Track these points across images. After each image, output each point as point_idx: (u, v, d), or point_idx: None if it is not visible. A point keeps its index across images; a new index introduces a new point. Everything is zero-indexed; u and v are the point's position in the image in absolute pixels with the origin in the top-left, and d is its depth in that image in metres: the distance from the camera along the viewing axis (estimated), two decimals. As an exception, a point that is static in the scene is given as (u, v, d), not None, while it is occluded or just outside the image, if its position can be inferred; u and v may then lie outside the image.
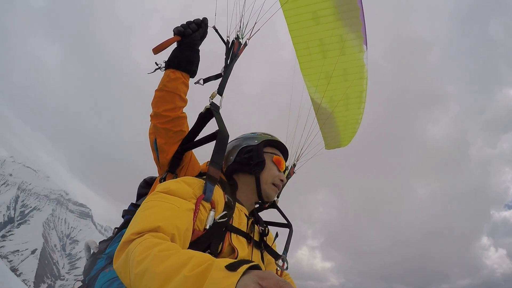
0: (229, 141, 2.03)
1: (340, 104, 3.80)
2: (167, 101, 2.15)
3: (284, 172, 2.31)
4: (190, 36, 2.20)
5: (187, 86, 2.24)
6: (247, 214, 2.09)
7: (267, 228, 2.30)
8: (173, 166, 2.20)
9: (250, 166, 2.16)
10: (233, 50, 2.44)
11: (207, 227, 1.69)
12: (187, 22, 2.22)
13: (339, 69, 3.60)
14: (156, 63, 2.20)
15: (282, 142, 2.39)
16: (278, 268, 2.16)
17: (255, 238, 2.08)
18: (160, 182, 2.14)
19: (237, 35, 2.49)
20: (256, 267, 1.03)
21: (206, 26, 2.30)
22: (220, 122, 2.06)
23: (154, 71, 2.22)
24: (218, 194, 1.85)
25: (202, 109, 2.17)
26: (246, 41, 2.52)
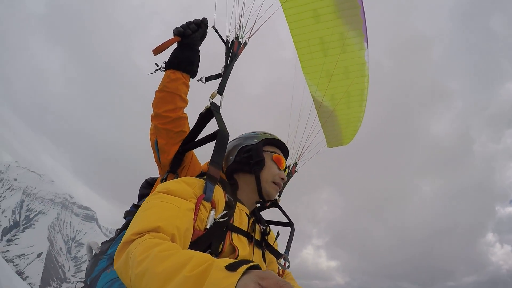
0: (229, 141, 2.03)
1: (341, 102, 3.78)
2: (167, 101, 2.15)
3: (285, 170, 2.30)
4: (190, 36, 2.20)
5: (187, 86, 2.24)
6: (248, 214, 2.09)
7: (268, 227, 2.30)
8: (174, 166, 2.20)
9: (250, 165, 2.16)
10: (233, 49, 2.43)
11: (208, 226, 1.69)
12: (186, 23, 2.22)
13: (340, 67, 3.59)
14: (156, 64, 2.20)
15: (282, 140, 2.39)
16: (280, 267, 2.15)
17: (256, 237, 2.08)
18: (161, 182, 2.13)
19: (237, 34, 2.48)
20: (256, 267, 1.03)
21: (206, 26, 2.30)
22: (220, 122, 2.05)
23: (154, 72, 2.22)
24: (219, 194, 1.85)
25: (202, 109, 2.17)
26: (246, 41, 2.51)
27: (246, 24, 2.52)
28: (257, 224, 2.15)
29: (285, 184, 2.65)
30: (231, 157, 2.24)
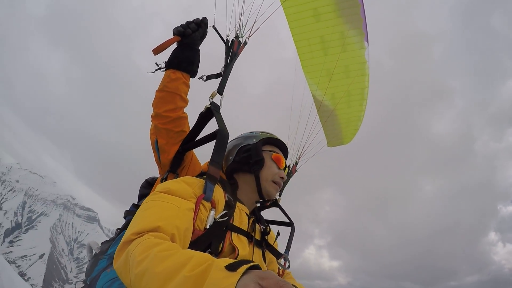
0: (229, 140, 2.02)
1: (342, 101, 3.77)
2: (168, 101, 2.14)
3: (285, 170, 2.30)
4: (190, 36, 2.19)
5: (187, 86, 2.24)
6: (248, 213, 2.08)
7: (268, 227, 2.29)
8: (174, 166, 2.19)
9: (249, 164, 2.16)
10: (233, 49, 2.43)
11: (208, 226, 1.69)
12: (186, 22, 2.21)
13: (341, 66, 3.58)
14: (156, 63, 2.20)
15: (282, 140, 2.38)
16: (280, 267, 2.15)
17: (256, 237, 2.07)
18: (162, 182, 2.13)
19: (237, 34, 2.47)
20: (256, 267, 1.03)
21: (206, 25, 2.30)
22: (220, 121, 2.05)
23: (154, 72, 2.22)
24: (219, 194, 1.85)
25: (202, 109, 2.16)
26: (246, 40, 2.51)
27: (246, 23, 2.51)
28: (257, 224, 2.15)
29: (285, 183, 2.64)
30: (230, 157, 2.24)
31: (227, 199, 1.88)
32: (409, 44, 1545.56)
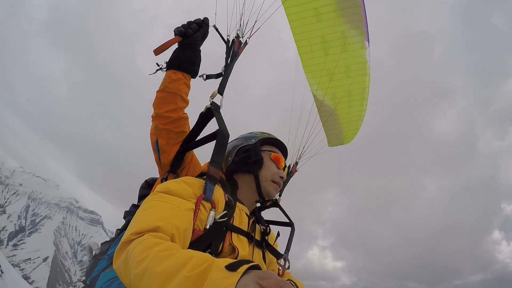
0: (229, 141, 2.02)
1: (342, 101, 3.77)
2: (168, 102, 2.14)
3: (285, 169, 2.29)
4: (191, 36, 2.18)
5: (188, 87, 2.23)
6: (248, 214, 2.08)
7: (268, 227, 2.29)
8: (175, 166, 2.19)
9: (248, 165, 2.16)
10: (234, 49, 2.42)
11: (207, 227, 1.68)
12: (188, 22, 2.20)
13: (341, 66, 3.58)
14: (157, 63, 2.19)
15: (281, 140, 2.39)
16: (280, 268, 2.14)
17: (256, 238, 2.07)
18: (162, 182, 2.12)
19: (237, 34, 2.47)
20: (256, 267, 1.03)
21: (207, 26, 2.29)
22: (220, 121, 2.05)
23: (155, 72, 2.21)
24: (219, 194, 1.84)
25: (202, 109, 2.16)
26: (246, 40, 2.51)
27: (247, 23, 2.51)
28: (257, 224, 2.15)
29: (285, 183, 2.63)
30: (230, 158, 2.24)
31: (227, 199, 1.88)
32: (410, 44, 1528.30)
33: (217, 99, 2.19)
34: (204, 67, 2.33)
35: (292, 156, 3.09)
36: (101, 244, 2.25)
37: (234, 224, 1.88)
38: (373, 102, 3.88)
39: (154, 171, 2.37)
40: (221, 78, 2.30)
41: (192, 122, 2.23)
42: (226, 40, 2.45)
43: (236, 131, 2.35)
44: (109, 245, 2.12)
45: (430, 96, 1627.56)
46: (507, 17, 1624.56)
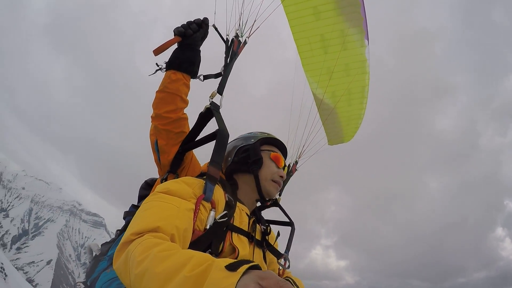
0: (228, 141, 2.02)
1: (342, 100, 3.78)
2: (168, 102, 2.13)
3: (285, 169, 2.29)
4: (191, 36, 2.17)
5: (188, 87, 2.23)
6: (249, 213, 2.08)
7: (269, 227, 2.29)
8: (174, 166, 2.19)
9: (248, 164, 2.16)
10: (233, 48, 2.42)
11: (208, 227, 1.68)
12: (187, 22, 2.18)
13: (341, 64, 3.59)
14: (157, 64, 2.19)
15: (281, 139, 2.38)
16: (280, 267, 2.13)
17: (257, 237, 2.07)
18: (161, 182, 2.12)
19: (237, 33, 2.46)
20: (256, 267, 1.03)
21: (207, 26, 2.27)
22: (220, 121, 2.04)
23: (155, 72, 2.20)
24: (219, 194, 1.84)
25: (202, 109, 2.16)
26: (246, 39, 2.50)
27: (246, 22, 2.50)
28: (257, 224, 2.14)
29: (285, 182, 2.62)
30: (229, 158, 2.24)
31: (227, 199, 1.88)
32: (411, 41, 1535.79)
33: (217, 99, 2.19)
34: (204, 67, 2.33)
35: (292, 155, 3.09)
36: (102, 245, 2.26)
37: (234, 224, 1.87)
38: (374, 101, 3.88)
39: (155, 172, 2.37)
40: (221, 77, 2.30)
41: (191, 122, 2.22)
42: (225, 39, 2.44)
43: (236, 131, 2.36)
44: (110, 246, 2.12)
45: (431, 94, 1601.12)
46: (508, 13, 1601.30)
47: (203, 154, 2.26)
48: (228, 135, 1.98)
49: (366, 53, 3.59)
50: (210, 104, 2.15)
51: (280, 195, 2.52)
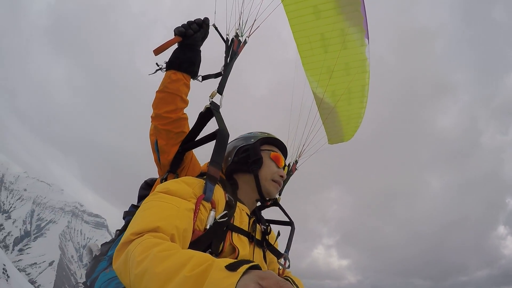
0: (228, 141, 2.01)
1: (342, 99, 3.78)
2: (168, 102, 2.13)
3: (285, 168, 2.29)
4: (191, 37, 2.16)
5: (188, 87, 2.22)
6: (249, 213, 2.08)
7: (269, 227, 2.29)
8: (174, 166, 2.19)
9: (248, 164, 2.15)
10: (233, 48, 2.41)
11: (208, 227, 1.68)
12: (188, 22, 2.17)
13: (341, 63, 3.59)
14: (157, 64, 2.18)
15: (281, 139, 2.38)
16: (280, 267, 2.13)
17: (257, 237, 2.06)
18: (161, 182, 2.12)
19: (237, 33, 2.46)
20: (257, 267, 1.03)
21: (208, 26, 2.26)
22: (220, 121, 2.04)
23: (155, 72, 2.20)
24: (219, 194, 1.84)
25: (202, 109, 2.15)
26: (246, 39, 2.50)
27: (246, 22, 2.50)
28: (258, 224, 2.14)
29: (285, 182, 2.62)
30: (229, 158, 2.24)
31: (227, 199, 1.88)
32: (411, 40, 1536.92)
33: (217, 99, 2.19)
34: (204, 67, 2.33)
35: (292, 154, 3.09)
36: (101, 245, 2.27)
37: (234, 224, 1.87)
38: (374, 99, 3.87)
39: (155, 172, 2.37)
40: (221, 77, 2.30)
41: (191, 122, 2.21)
42: (225, 39, 2.44)
43: (236, 131, 2.35)
44: (109, 246, 2.13)
45: (432, 92, 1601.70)
46: (508, 11, 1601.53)
47: (203, 154, 2.26)
48: (228, 135, 1.97)
49: (366, 52, 3.58)
50: (210, 103, 2.14)
51: (280, 194, 2.52)
